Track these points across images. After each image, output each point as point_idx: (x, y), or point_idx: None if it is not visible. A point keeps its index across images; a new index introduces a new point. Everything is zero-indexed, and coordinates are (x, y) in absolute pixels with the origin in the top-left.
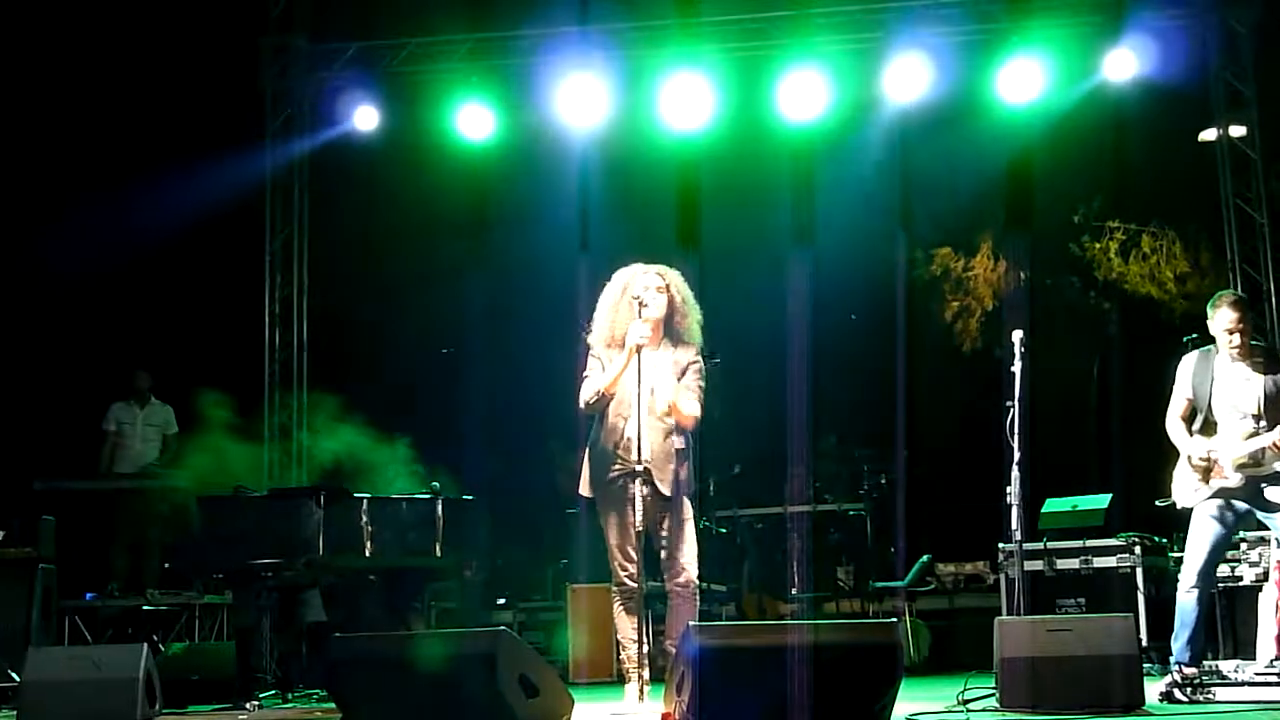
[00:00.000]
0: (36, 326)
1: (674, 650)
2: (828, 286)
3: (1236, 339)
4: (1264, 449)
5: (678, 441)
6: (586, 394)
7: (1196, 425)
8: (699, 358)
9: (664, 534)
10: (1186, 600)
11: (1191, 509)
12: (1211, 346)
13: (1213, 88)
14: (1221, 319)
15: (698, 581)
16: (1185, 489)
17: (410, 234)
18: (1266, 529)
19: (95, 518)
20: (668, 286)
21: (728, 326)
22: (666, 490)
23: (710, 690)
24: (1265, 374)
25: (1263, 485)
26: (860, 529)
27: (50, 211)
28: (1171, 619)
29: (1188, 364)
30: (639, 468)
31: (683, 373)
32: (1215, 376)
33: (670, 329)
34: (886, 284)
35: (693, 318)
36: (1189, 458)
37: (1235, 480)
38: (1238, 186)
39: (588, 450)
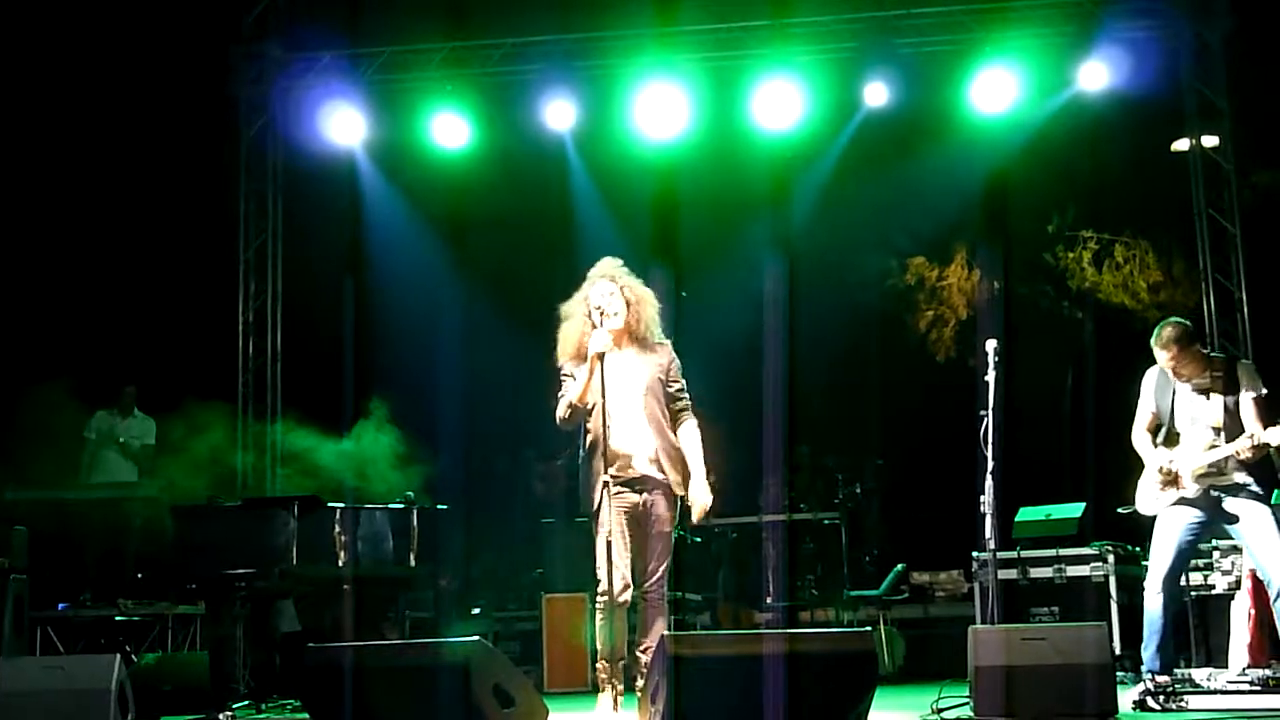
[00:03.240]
0: (5, 335)
1: (647, 658)
2: (802, 295)
3: (1183, 372)
4: (1226, 459)
5: (676, 441)
6: (560, 409)
7: (1160, 438)
8: (674, 354)
9: (648, 539)
10: (1153, 607)
11: (1155, 516)
12: None
13: (1185, 98)
14: (1160, 358)
15: (665, 591)
16: (1147, 496)
17: (385, 242)
18: (1232, 538)
19: (68, 528)
20: (621, 290)
21: (702, 335)
22: (680, 489)
23: (685, 699)
24: (1224, 389)
25: (1223, 496)
26: (835, 538)
27: (21, 220)
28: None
29: (1150, 379)
30: (610, 478)
31: (667, 375)
32: (1176, 390)
33: (631, 330)
34: (861, 293)
35: (649, 312)
36: (1160, 469)
37: (1193, 491)
38: (1210, 196)
39: (580, 465)
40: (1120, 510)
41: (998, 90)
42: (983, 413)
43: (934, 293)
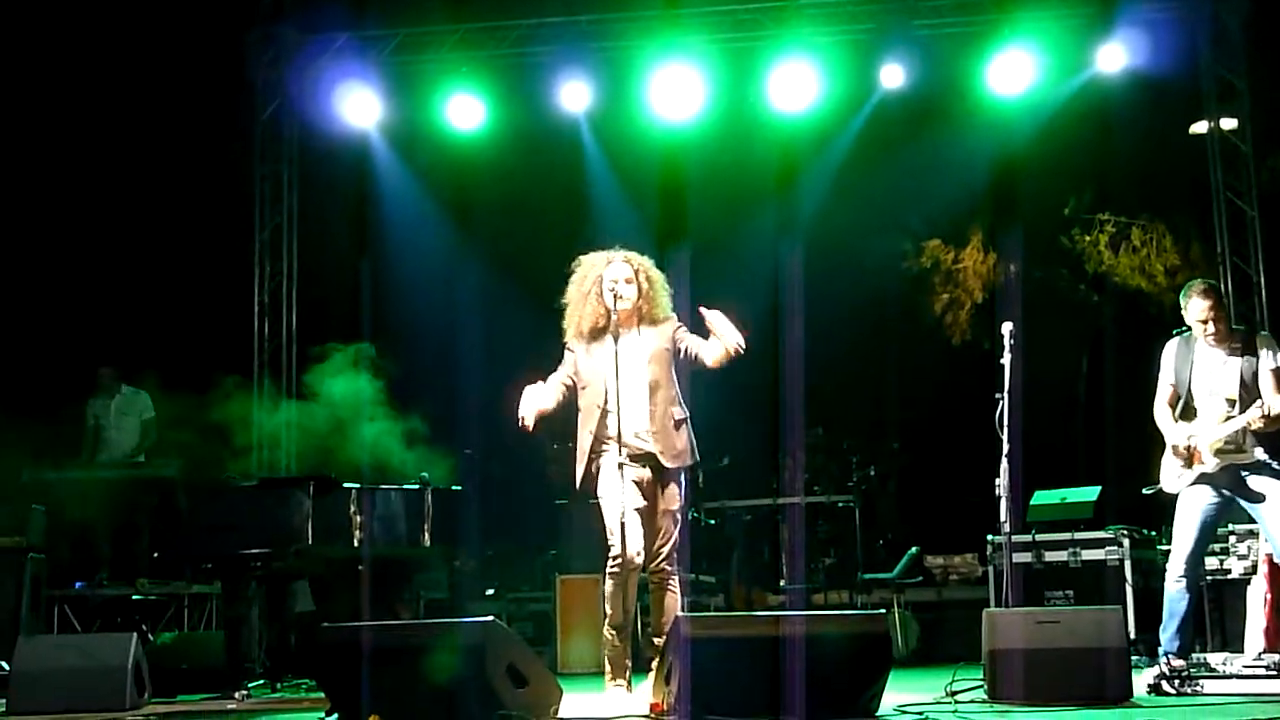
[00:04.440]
0: (24, 316)
1: (658, 641)
2: (817, 278)
3: (1212, 327)
4: (1242, 431)
5: (677, 413)
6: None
7: (1179, 411)
8: (679, 324)
9: (654, 517)
10: (1175, 589)
11: (1177, 495)
12: (1190, 332)
13: (1204, 80)
14: (1195, 308)
15: (675, 570)
16: (1170, 475)
17: (400, 224)
18: (1253, 520)
19: (84, 507)
20: (637, 274)
21: None
22: (669, 462)
23: (699, 681)
24: (1243, 357)
25: (1245, 474)
26: (849, 521)
27: (36, 201)
28: (1159, 611)
29: (1169, 350)
30: (624, 459)
31: (674, 343)
32: (1195, 362)
33: (641, 312)
34: (877, 276)
35: (661, 298)
36: (1174, 446)
37: (1212, 465)
38: (1228, 179)
39: (576, 448)
40: (1145, 490)
41: (1015, 72)
42: (998, 396)
43: (950, 275)
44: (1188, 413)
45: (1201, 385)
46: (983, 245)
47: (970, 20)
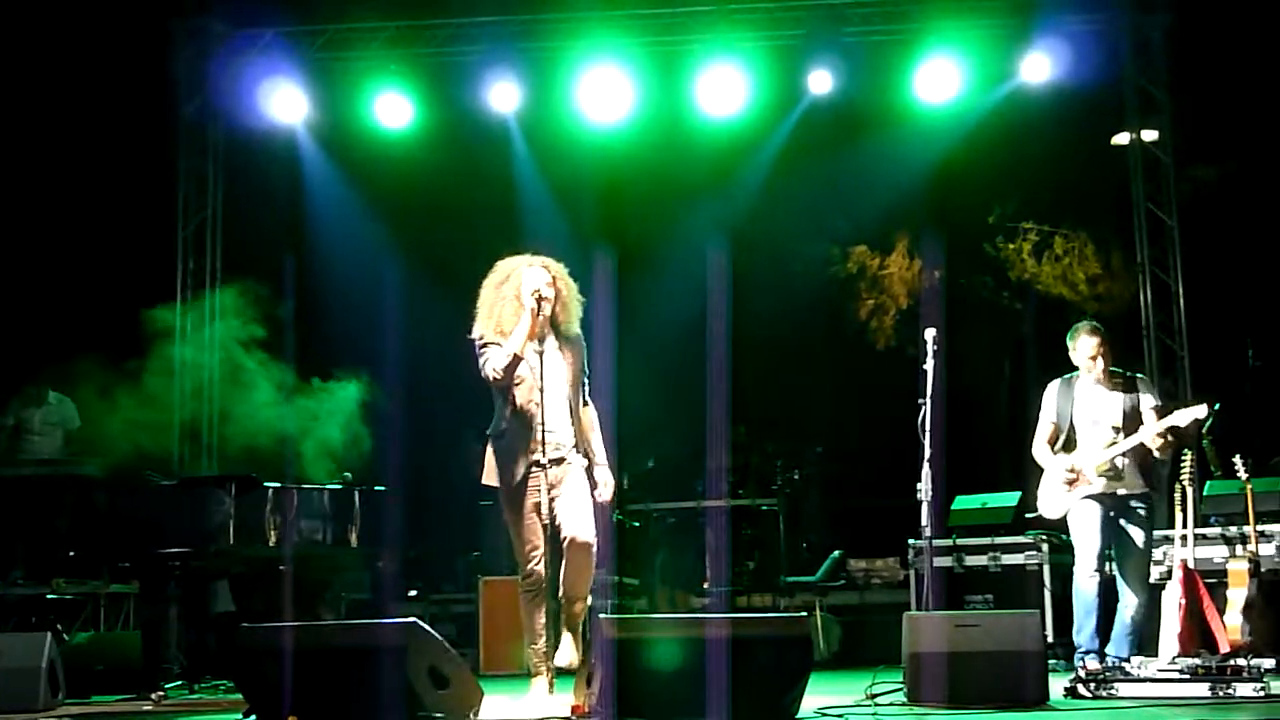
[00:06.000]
0: None
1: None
2: (744, 282)
3: (1100, 363)
4: (1126, 459)
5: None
6: (498, 361)
7: (1059, 446)
8: (584, 345)
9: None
10: (1088, 587)
11: (1063, 518)
12: (1074, 374)
13: (1126, 92)
14: (1084, 346)
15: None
16: (1051, 499)
17: (327, 221)
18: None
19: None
20: (554, 280)
21: (644, 320)
22: (590, 472)
23: (621, 682)
24: (1124, 393)
25: (1129, 502)
26: (773, 524)
27: None
28: None
29: (1051, 391)
30: (544, 460)
31: (580, 368)
32: (1076, 399)
33: (554, 322)
34: (803, 281)
35: (574, 310)
36: (1069, 470)
37: (1099, 486)
38: (1149, 190)
39: (493, 439)
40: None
41: (941, 80)
42: (921, 401)
43: (875, 281)
44: (1068, 445)
45: (1084, 417)
46: (908, 252)
47: (897, 29)
